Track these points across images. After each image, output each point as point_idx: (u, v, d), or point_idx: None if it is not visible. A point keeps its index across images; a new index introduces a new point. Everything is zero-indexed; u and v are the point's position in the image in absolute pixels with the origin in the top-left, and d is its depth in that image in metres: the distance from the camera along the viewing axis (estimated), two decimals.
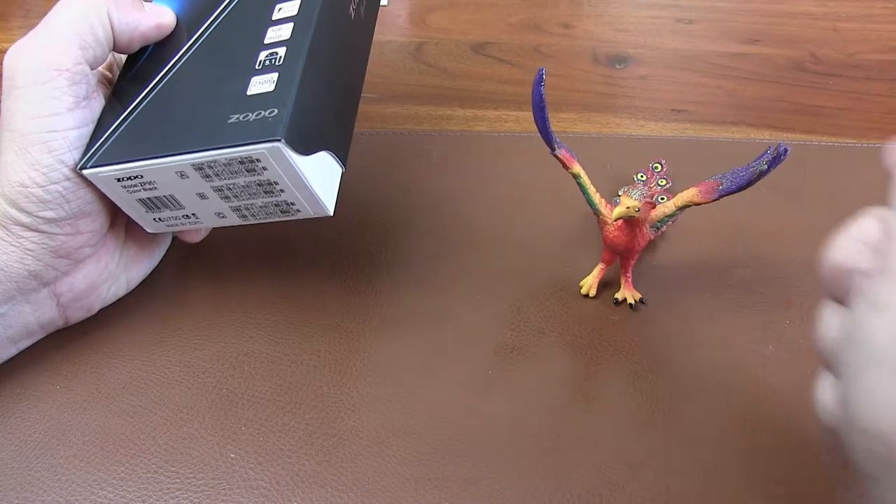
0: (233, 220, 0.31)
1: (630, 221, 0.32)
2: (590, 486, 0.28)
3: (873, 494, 0.18)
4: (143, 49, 0.32)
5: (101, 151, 0.29)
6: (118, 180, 0.29)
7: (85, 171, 0.29)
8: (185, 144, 0.28)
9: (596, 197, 0.34)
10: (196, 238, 0.35)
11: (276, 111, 0.27)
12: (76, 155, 0.29)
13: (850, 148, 0.46)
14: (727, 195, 0.31)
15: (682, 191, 0.32)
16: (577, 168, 0.33)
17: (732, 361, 0.33)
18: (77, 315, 0.33)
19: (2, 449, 0.30)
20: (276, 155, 0.27)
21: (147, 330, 0.35)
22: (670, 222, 0.38)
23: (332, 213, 0.30)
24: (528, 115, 0.48)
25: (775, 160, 0.30)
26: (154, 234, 0.35)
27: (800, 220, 0.41)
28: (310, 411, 0.31)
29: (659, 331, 0.35)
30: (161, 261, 0.37)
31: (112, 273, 0.33)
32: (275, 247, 0.39)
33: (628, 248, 0.34)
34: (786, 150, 0.30)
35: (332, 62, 0.30)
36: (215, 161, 0.27)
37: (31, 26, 0.30)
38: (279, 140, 0.26)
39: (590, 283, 0.36)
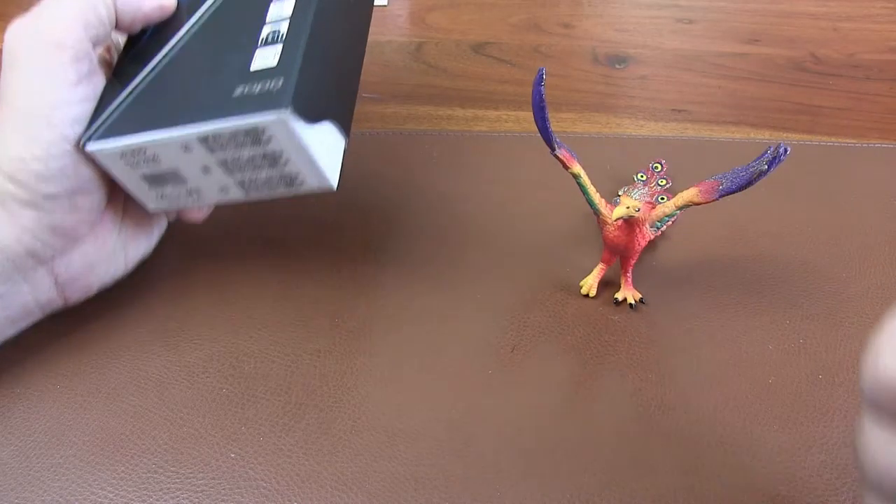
0: (236, 194, 0.31)
1: (630, 221, 0.32)
2: (590, 486, 0.28)
3: None
4: (144, 30, 0.32)
5: (103, 127, 0.29)
6: (122, 155, 0.29)
7: (88, 147, 0.29)
8: (191, 117, 0.28)
9: (596, 197, 0.34)
10: (198, 216, 0.35)
11: (280, 82, 0.27)
12: (77, 130, 0.29)
13: (850, 148, 0.46)
14: (727, 195, 0.31)
15: (682, 191, 0.32)
16: (577, 168, 0.33)
17: (732, 361, 0.33)
18: (76, 295, 0.33)
19: (2, 449, 0.30)
20: (282, 124, 0.27)
21: (147, 330, 0.35)
22: (670, 222, 0.38)
23: (335, 187, 0.30)
24: (528, 115, 0.48)
25: (775, 160, 0.30)
26: (152, 214, 0.35)
27: (800, 220, 0.41)
28: (310, 411, 0.31)
29: (659, 331, 0.35)
30: (161, 261, 0.37)
31: (110, 252, 0.33)
32: (275, 247, 0.39)
33: (628, 248, 0.34)
34: (786, 150, 0.30)
35: (334, 34, 0.30)
36: (220, 133, 0.28)
37: None
38: (286, 108, 0.26)
39: (590, 283, 0.36)
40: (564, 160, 0.33)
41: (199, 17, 0.31)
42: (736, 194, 0.31)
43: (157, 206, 0.32)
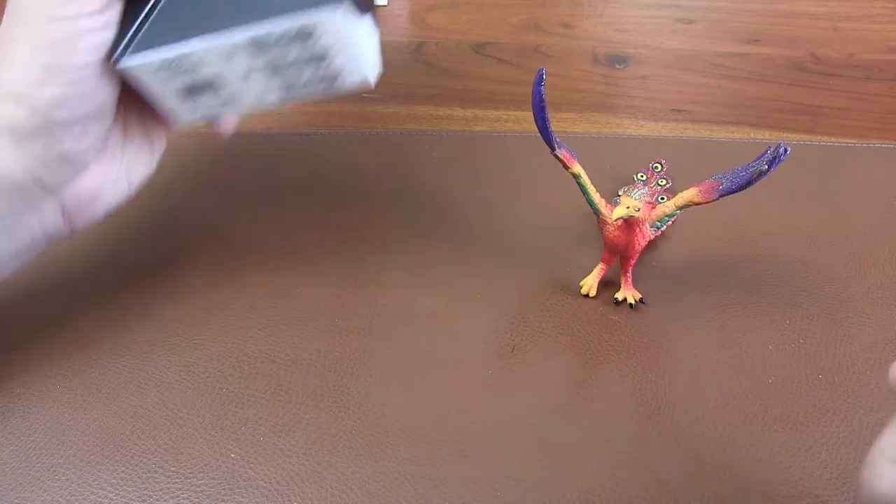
0: (272, 98, 0.30)
1: (630, 221, 0.32)
2: (590, 486, 0.28)
3: None
4: None
5: (136, 41, 0.28)
6: (160, 68, 0.28)
7: (122, 63, 0.28)
8: (237, 20, 0.27)
9: (596, 197, 0.34)
10: (228, 128, 0.34)
11: None
12: (100, 55, 0.28)
13: (850, 148, 0.46)
14: (727, 195, 0.31)
15: (682, 191, 0.32)
16: (577, 168, 0.33)
17: (732, 361, 0.33)
18: (82, 223, 0.32)
19: (2, 449, 0.30)
20: (338, 20, 0.26)
21: (147, 330, 0.35)
22: (670, 222, 0.38)
23: (373, 83, 0.29)
24: (528, 115, 0.48)
25: (775, 160, 0.30)
26: (151, 136, 0.34)
27: (800, 220, 0.41)
28: (310, 411, 0.31)
29: (659, 330, 0.35)
30: (161, 261, 0.37)
31: (115, 176, 0.33)
32: (274, 247, 0.39)
33: (628, 248, 0.34)
34: (786, 150, 0.30)
35: None
36: (270, 34, 0.27)
37: None
38: (343, 2, 0.25)
39: (590, 283, 0.36)
40: (564, 160, 0.33)
41: None
42: (736, 194, 0.31)
43: (188, 118, 0.31)
